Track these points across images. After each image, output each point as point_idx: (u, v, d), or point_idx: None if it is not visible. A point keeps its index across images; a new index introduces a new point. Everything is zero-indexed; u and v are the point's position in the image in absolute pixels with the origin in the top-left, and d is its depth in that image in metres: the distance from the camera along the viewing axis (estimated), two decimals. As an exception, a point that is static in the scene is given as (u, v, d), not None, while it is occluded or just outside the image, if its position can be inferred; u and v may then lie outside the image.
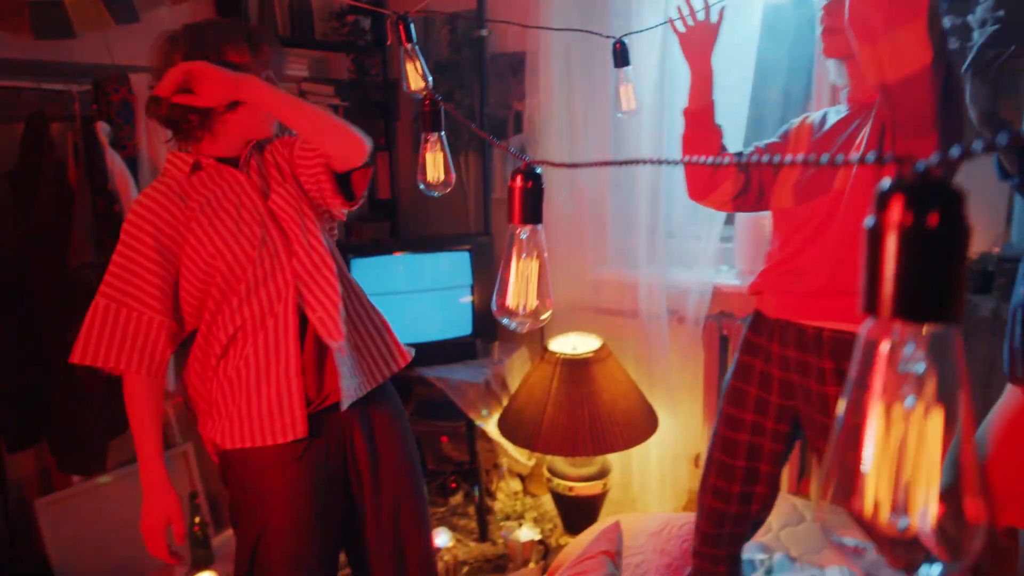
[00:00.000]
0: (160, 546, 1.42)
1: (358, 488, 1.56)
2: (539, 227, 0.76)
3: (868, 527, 0.32)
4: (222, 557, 2.28)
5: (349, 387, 1.46)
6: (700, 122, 1.63)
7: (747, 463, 1.64)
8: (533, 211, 0.76)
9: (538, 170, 0.73)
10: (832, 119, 1.54)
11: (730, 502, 1.66)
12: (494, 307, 0.78)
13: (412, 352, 1.63)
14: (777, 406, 1.59)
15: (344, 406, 1.44)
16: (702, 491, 1.72)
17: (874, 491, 0.32)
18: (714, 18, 1.59)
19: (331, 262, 1.45)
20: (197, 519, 2.22)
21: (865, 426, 0.32)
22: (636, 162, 0.55)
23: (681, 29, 1.62)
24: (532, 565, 2.33)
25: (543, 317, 0.78)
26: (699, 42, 1.60)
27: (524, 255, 0.78)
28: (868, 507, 0.32)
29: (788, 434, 1.63)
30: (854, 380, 0.33)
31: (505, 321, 0.77)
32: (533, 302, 0.76)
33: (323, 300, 1.42)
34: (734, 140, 2.35)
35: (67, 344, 1.97)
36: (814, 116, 1.61)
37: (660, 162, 0.55)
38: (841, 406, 0.34)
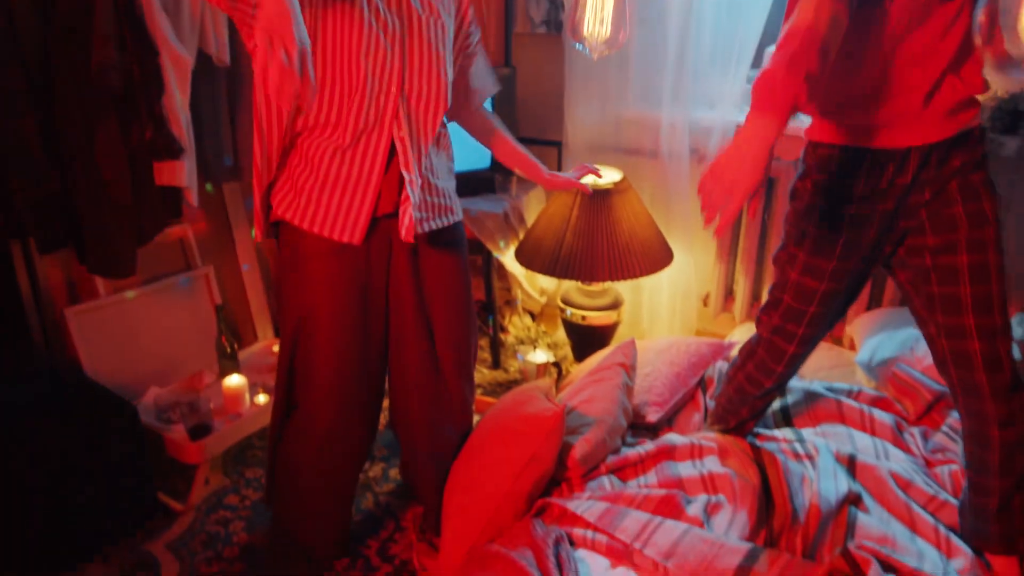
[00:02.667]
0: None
1: (399, 318, 1.63)
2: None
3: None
4: (247, 368, 2.37)
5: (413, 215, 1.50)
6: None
7: (820, 308, 1.55)
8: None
9: None
10: None
11: (792, 342, 1.62)
12: (565, 30, 0.76)
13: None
14: (866, 244, 1.48)
15: (404, 225, 1.48)
16: (763, 328, 1.67)
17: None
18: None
19: (445, 105, 1.48)
20: (223, 336, 2.29)
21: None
22: None
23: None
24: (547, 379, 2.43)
25: (613, 48, 0.77)
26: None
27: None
28: None
29: (864, 271, 1.54)
30: None
31: (577, 46, 0.76)
32: (608, 27, 0.75)
33: (420, 135, 1.48)
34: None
35: (92, 146, 1.97)
36: None
37: None
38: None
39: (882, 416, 1.92)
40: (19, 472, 1.73)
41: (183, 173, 2.09)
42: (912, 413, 1.94)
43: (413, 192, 1.47)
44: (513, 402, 1.77)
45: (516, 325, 2.88)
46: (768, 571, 1.36)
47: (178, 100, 2.05)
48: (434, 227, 1.57)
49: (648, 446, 1.81)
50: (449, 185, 1.63)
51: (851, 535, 1.53)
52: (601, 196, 2.30)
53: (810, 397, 2.01)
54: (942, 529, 1.55)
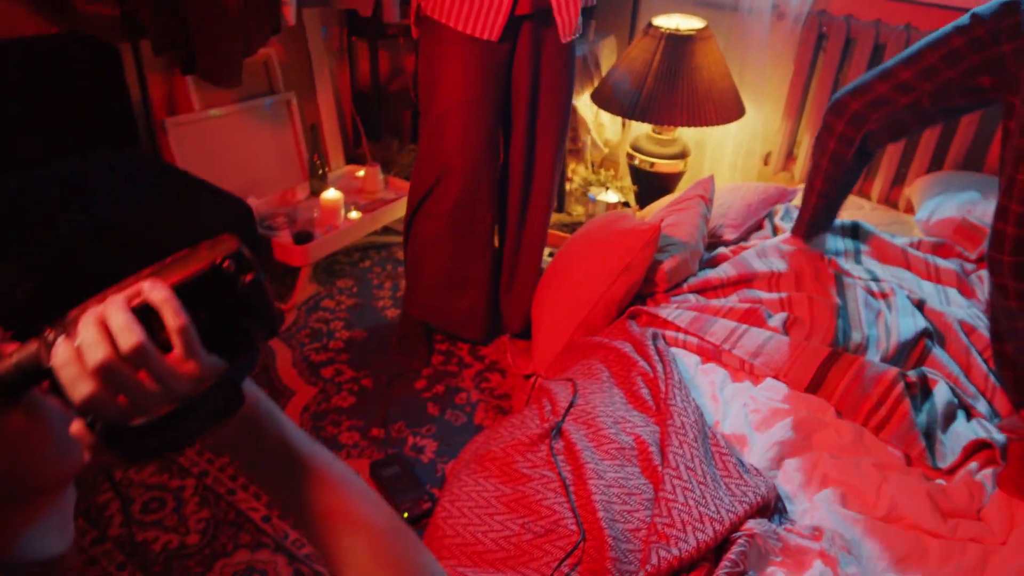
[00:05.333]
0: None
1: (516, 110, 1.81)
2: None
3: None
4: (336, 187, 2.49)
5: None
6: None
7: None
8: None
9: None
10: None
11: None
12: None
13: None
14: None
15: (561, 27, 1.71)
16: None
17: None
18: None
19: None
20: (316, 156, 2.39)
21: None
22: None
23: None
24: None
25: None
26: None
27: None
28: None
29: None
30: None
31: None
32: None
33: None
34: None
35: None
36: None
37: None
38: None
39: (946, 264, 2.02)
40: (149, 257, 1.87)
41: (286, -14, 2.14)
42: (975, 254, 2.06)
43: None
44: (606, 221, 1.90)
45: (579, 173, 2.98)
46: (847, 371, 1.52)
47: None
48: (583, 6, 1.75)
49: (729, 270, 1.94)
50: None
51: (922, 362, 1.67)
52: (684, 42, 2.34)
53: (879, 242, 2.11)
54: (992, 378, 1.65)
